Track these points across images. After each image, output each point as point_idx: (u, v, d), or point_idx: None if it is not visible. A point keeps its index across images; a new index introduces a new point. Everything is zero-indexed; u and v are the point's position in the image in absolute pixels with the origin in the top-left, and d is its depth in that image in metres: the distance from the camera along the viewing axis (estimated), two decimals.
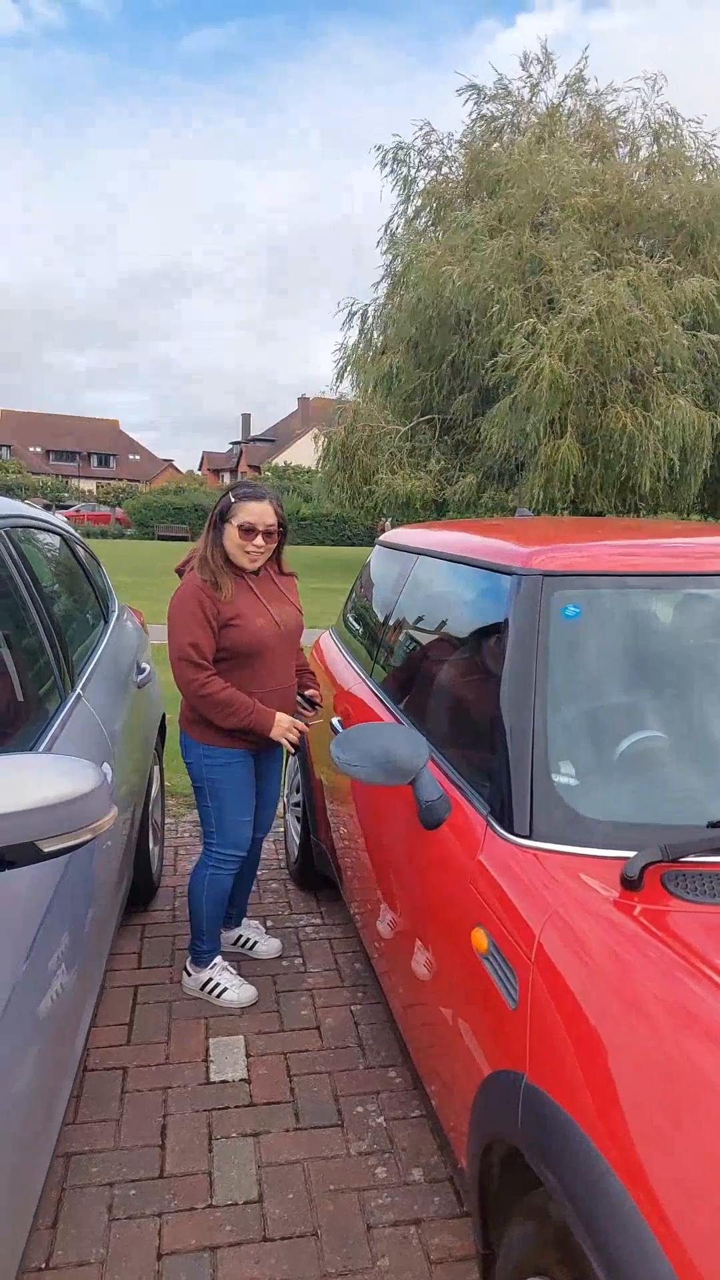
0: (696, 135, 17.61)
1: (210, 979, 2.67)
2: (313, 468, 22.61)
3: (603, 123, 17.97)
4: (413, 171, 18.86)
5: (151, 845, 3.19)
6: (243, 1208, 1.91)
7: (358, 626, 3.26)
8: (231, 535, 2.47)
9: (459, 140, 18.59)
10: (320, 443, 19.41)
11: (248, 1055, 2.44)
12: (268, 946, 2.94)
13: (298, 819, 3.47)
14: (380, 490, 17.05)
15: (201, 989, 2.67)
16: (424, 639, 2.51)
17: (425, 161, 18.86)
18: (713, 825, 1.50)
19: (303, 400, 57.87)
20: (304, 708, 2.69)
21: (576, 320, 14.06)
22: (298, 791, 3.47)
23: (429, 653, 2.42)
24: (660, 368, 14.71)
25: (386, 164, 18.80)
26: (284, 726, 2.50)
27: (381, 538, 3.27)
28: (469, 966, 1.55)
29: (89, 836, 1.28)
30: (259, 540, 2.48)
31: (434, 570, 2.51)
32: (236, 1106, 2.23)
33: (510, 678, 1.76)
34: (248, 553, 2.48)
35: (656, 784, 1.70)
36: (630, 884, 1.38)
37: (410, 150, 18.79)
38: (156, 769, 3.45)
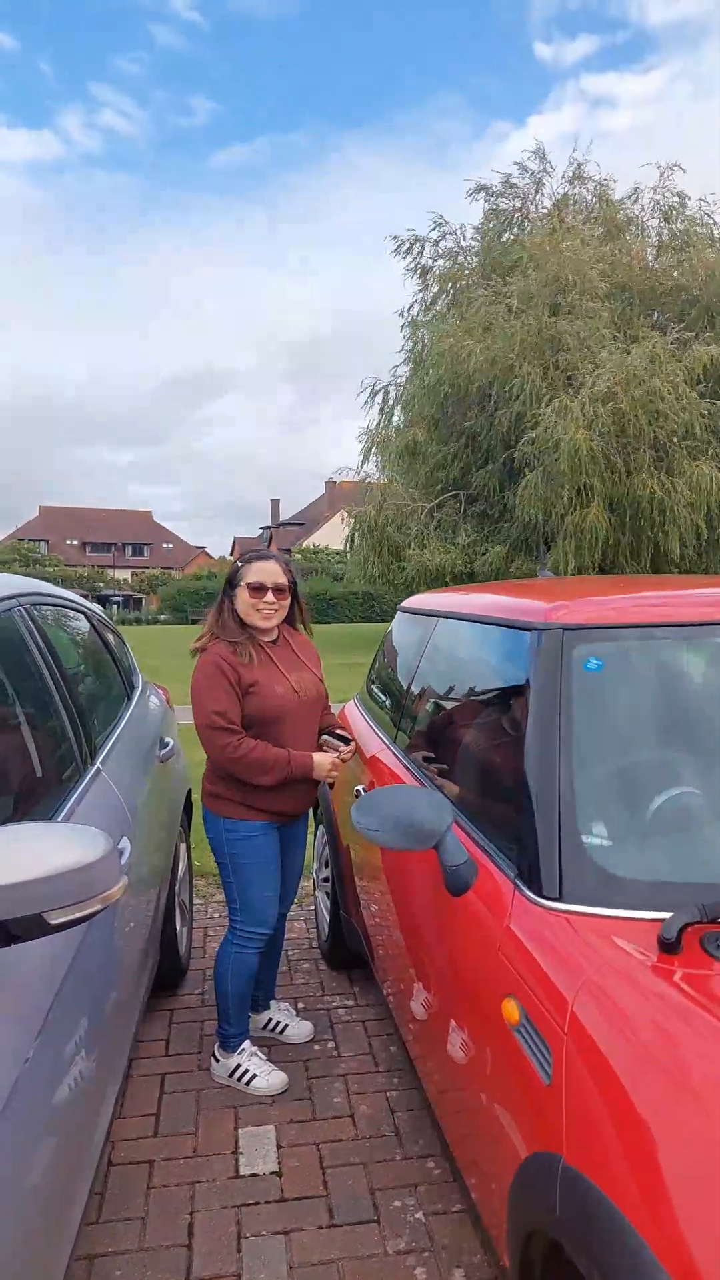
0: (707, 213, 18.13)
1: (239, 1065, 2.56)
2: (340, 548, 22.89)
3: (611, 208, 18.62)
4: (429, 261, 19.64)
5: (179, 926, 3.11)
6: None
7: (381, 693, 3.23)
8: (242, 596, 2.50)
9: (475, 228, 19.38)
10: (349, 524, 19.71)
11: (279, 1146, 2.31)
12: (299, 1030, 2.82)
13: (327, 895, 3.38)
14: (411, 567, 17.19)
15: (230, 1076, 2.56)
16: (447, 701, 2.48)
17: (440, 252, 19.65)
18: None
19: (330, 484, 58.99)
20: (339, 742, 2.69)
21: (598, 394, 14.32)
22: (326, 866, 3.38)
23: (453, 715, 2.38)
24: (681, 435, 14.85)
25: (402, 253, 19.63)
26: (326, 768, 2.50)
27: (404, 603, 3.26)
28: (501, 1041, 1.47)
29: (99, 907, 1.24)
30: (269, 597, 2.49)
31: (455, 632, 2.49)
32: (267, 1202, 2.11)
33: (534, 735, 1.71)
34: (259, 610, 2.50)
35: (692, 841, 1.63)
36: (668, 947, 1.30)
37: (425, 242, 19.60)
38: (183, 847, 3.40)
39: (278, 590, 2.51)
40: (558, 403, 14.64)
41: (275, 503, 68.06)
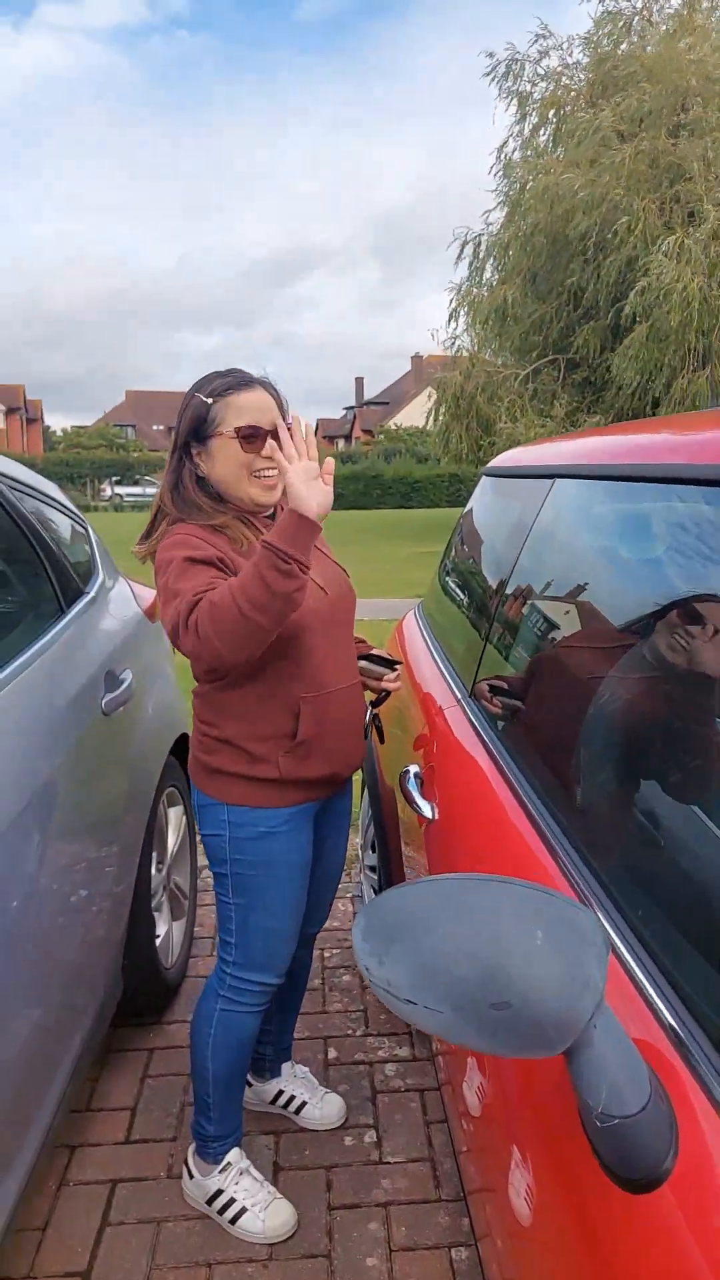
0: None
1: (220, 1190, 1.64)
2: (426, 426, 21.17)
3: None
4: (528, 85, 16.91)
5: (160, 930, 2.17)
6: None
7: (453, 606, 2.13)
8: (229, 454, 1.45)
9: (583, 38, 16.46)
10: (433, 396, 18.04)
11: None
12: (323, 1111, 1.88)
13: (374, 888, 2.40)
14: (502, 441, 15.54)
15: (208, 1203, 1.66)
16: (570, 626, 1.36)
17: (543, 73, 16.85)
18: None
19: (416, 359, 56.01)
20: (382, 669, 1.71)
21: None
22: (373, 850, 2.38)
23: (584, 661, 1.26)
24: None
25: (498, 76, 16.92)
26: (311, 491, 1.30)
27: (492, 463, 2.11)
28: None
29: None
30: (269, 448, 1.45)
31: (583, 498, 1.36)
32: None
33: None
34: (258, 473, 1.46)
35: None
36: None
37: (525, 62, 16.83)
38: (175, 814, 2.44)
39: (274, 435, 1.45)
40: (672, 241, 12.45)
41: (359, 381, 65.30)
